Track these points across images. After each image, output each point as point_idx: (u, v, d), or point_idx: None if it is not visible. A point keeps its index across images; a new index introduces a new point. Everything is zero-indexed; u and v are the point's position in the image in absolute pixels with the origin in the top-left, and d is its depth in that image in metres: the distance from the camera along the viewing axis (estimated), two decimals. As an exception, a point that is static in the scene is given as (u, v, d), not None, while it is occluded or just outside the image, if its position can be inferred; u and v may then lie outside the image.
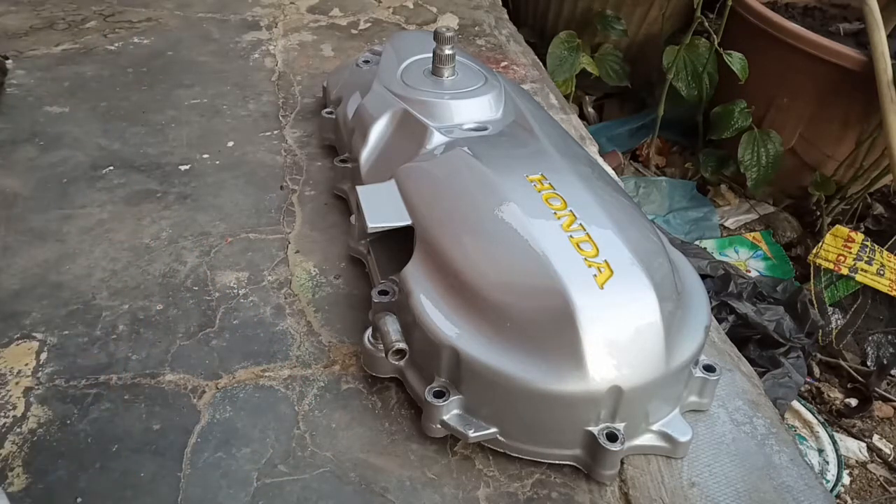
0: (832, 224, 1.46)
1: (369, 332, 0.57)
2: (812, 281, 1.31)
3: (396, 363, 0.54)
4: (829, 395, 1.24)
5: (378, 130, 0.70)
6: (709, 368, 0.55)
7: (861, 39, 1.43)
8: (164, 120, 0.91)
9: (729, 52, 1.44)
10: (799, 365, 1.05)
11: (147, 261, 0.69)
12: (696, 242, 1.42)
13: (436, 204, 0.58)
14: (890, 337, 1.29)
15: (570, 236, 0.51)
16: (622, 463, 0.52)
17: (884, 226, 1.53)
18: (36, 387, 0.56)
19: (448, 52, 0.71)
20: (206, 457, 0.52)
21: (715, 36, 1.47)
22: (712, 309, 0.87)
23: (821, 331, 1.25)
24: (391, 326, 0.54)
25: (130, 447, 0.52)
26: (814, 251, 1.32)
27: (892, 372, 1.26)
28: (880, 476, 1.13)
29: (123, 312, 0.63)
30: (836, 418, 1.21)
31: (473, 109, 0.69)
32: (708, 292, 0.58)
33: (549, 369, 0.48)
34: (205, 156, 0.84)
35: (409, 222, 0.58)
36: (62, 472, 0.50)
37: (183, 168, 0.82)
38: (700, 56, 1.53)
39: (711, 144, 1.63)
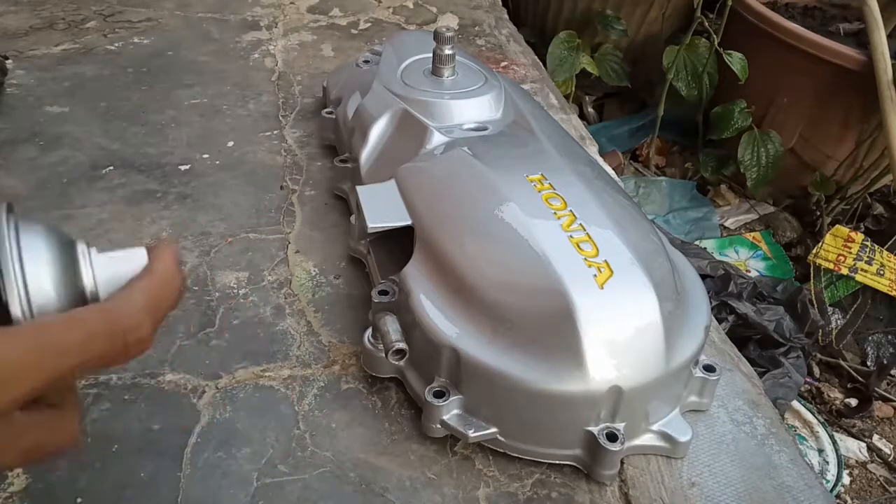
0: (832, 224, 1.46)
1: (369, 332, 0.57)
2: (812, 281, 1.31)
3: (396, 363, 0.54)
4: (829, 395, 1.24)
5: (378, 130, 0.70)
6: (709, 368, 0.55)
7: (861, 39, 1.43)
8: (164, 120, 0.91)
9: (729, 52, 1.45)
10: (799, 365, 1.05)
11: (147, 261, 0.69)
12: (696, 242, 1.42)
13: (436, 204, 0.58)
14: (890, 337, 1.29)
15: (570, 236, 0.51)
16: (622, 463, 0.52)
17: (884, 226, 1.54)
18: (36, 387, 0.56)
19: (448, 52, 0.71)
20: (206, 457, 0.52)
21: (715, 36, 1.47)
22: (712, 309, 0.87)
23: (821, 331, 1.25)
24: (391, 326, 0.54)
25: (130, 447, 0.52)
26: (814, 251, 1.33)
27: (892, 372, 1.26)
28: (880, 476, 1.13)
29: (123, 312, 0.63)
30: (836, 418, 1.21)
31: (473, 109, 0.69)
32: (708, 292, 0.58)
33: (549, 369, 0.48)
34: (205, 156, 0.84)
35: (409, 222, 0.58)
36: (62, 472, 0.50)
37: (183, 168, 0.82)
38: (700, 56, 1.53)
39: (711, 144, 1.63)
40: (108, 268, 0.29)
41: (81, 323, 0.26)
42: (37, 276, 0.27)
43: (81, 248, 0.29)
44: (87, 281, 0.28)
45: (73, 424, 0.28)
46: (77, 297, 0.28)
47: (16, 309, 0.26)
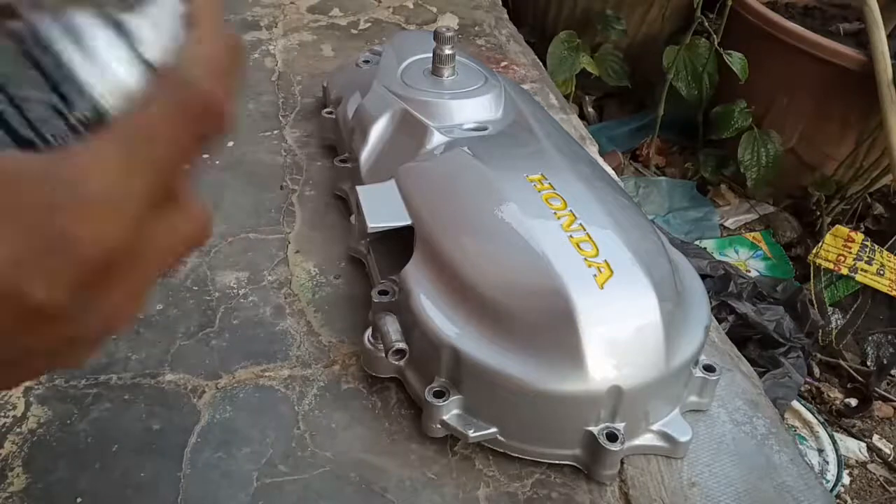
0: (832, 224, 1.46)
1: (369, 332, 0.57)
2: (812, 281, 1.31)
3: (396, 363, 0.54)
4: (829, 395, 1.24)
5: (378, 130, 0.70)
6: (709, 368, 0.55)
7: (861, 39, 1.43)
8: (164, 120, 0.91)
9: (729, 52, 1.45)
10: (799, 365, 1.05)
11: (147, 261, 0.69)
12: (696, 242, 1.42)
13: (436, 204, 0.58)
14: (890, 337, 1.29)
15: (570, 236, 0.51)
16: (622, 463, 0.52)
17: (884, 226, 1.54)
18: (36, 387, 0.56)
19: (448, 52, 0.71)
20: (206, 457, 0.52)
21: (715, 36, 1.47)
22: (712, 309, 0.87)
23: (821, 331, 1.25)
24: (391, 326, 0.54)
25: (130, 447, 0.52)
26: (814, 251, 1.33)
27: (892, 372, 1.26)
28: (880, 476, 1.13)
29: (123, 312, 0.63)
30: (836, 418, 1.21)
31: (473, 109, 0.69)
32: (708, 292, 0.58)
33: (549, 369, 0.48)
34: (204, 156, 0.84)
35: (409, 222, 0.58)
36: (62, 472, 0.50)
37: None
38: (700, 56, 1.53)
39: (711, 144, 1.63)
40: (160, 29, 0.24)
41: (156, 107, 0.22)
42: (113, 77, 0.23)
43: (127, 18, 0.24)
44: (154, 55, 0.24)
45: (198, 210, 0.25)
46: (147, 74, 0.24)
47: (107, 108, 0.22)
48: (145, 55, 0.24)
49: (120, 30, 0.23)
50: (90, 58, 0.22)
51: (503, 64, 1.09)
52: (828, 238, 1.32)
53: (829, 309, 1.31)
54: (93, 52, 0.22)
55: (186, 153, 0.24)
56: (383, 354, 0.54)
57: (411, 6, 1.27)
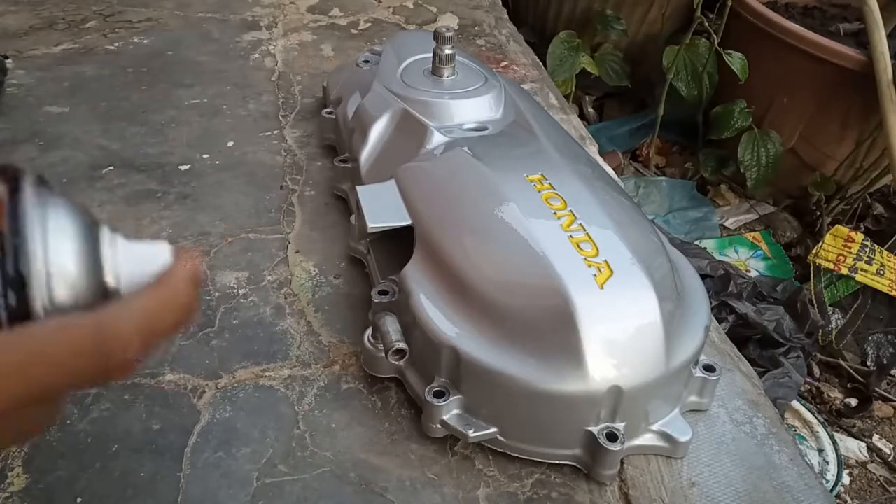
0: (832, 224, 1.46)
1: (369, 332, 0.57)
2: (812, 281, 1.31)
3: (396, 363, 0.54)
4: (829, 395, 1.24)
5: (378, 130, 0.70)
6: (709, 368, 0.55)
7: (861, 39, 1.43)
8: (164, 120, 0.91)
9: (729, 52, 1.45)
10: (799, 365, 1.05)
11: (147, 261, 0.69)
12: (696, 242, 1.42)
13: (436, 204, 0.58)
14: (890, 337, 1.29)
15: (570, 236, 0.51)
16: (622, 463, 0.52)
17: (884, 226, 1.54)
18: (36, 387, 0.56)
19: (448, 52, 0.71)
20: (206, 457, 0.52)
21: (715, 36, 1.47)
22: (712, 309, 0.87)
23: (821, 331, 1.25)
24: (391, 326, 0.54)
25: (130, 447, 0.52)
26: (814, 251, 1.32)
27: (892, 372, 1.26)
28: (880, 476, 1.13)
29: (123, 312, 0.63)
30: (836, 418, 1.21)
31: (473, 109, 0.69)
32: (708, 292, 0.58)
33: (549, 369, 0.48)
34: (205, 156, 0.84)
35: (409, 222, 0.58)
36: (62, 472, 0.50)
37: (183, 168, 0.82)
38: (700, 56, 1.53)
39: (711, 144, 1.63)
40: (133, 264, 0.26)
41: (72, 336, 0.24)
42: (61, 267, 0.24)
43: (107, 235, 0.26)
44: (111, 278, 0.26)
45: (57, 411, 0.27)
46: (97, 292, 0.25)
47: (37, 304, 0.23)
48: (106, 275, 0.25)
49: (95, 241, 0.25)
50: (48, 258, 0.24)
51: (503, 64, 1.09)
52: (828, 238, 1.32)
53: (829, 309, 1.31)
54: (61, 251, 0.24)
55: (73, 384, 0.25)
56: (383, 354, 0.54)
57: (411, 6, 1.27)
